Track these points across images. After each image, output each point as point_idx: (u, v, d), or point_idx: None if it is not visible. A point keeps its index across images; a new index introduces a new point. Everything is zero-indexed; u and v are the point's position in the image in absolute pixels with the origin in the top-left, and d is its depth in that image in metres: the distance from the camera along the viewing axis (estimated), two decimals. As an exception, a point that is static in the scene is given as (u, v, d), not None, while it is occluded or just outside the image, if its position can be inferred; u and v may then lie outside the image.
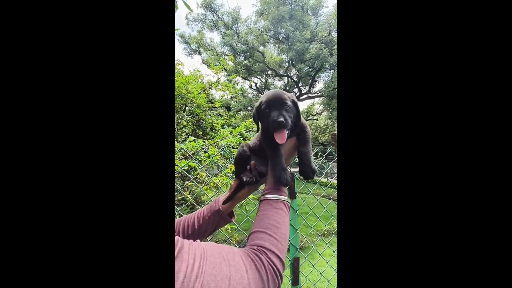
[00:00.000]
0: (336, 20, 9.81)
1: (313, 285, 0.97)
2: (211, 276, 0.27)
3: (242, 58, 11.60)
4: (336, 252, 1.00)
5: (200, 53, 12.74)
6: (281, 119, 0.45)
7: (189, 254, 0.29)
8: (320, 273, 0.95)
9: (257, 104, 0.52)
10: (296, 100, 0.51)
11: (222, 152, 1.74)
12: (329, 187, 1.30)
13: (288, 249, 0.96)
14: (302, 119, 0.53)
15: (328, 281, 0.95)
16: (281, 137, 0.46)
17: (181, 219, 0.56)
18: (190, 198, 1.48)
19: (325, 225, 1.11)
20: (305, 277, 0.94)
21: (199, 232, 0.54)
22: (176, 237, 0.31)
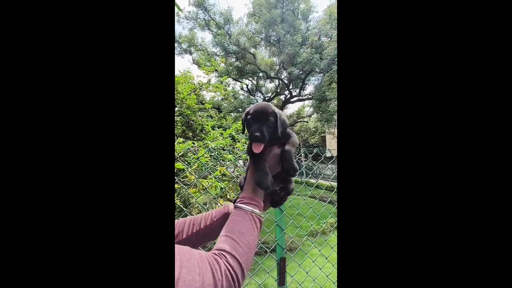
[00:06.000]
0: (325, 25, 10.08)
1: (300, 284, 0.99)
2: None
3: (233, 60, 11.57)
4: (321, 251, 1.04)
5: (190, 53, 12.56)
6: (257, 133, 0.49)
7: None
8: (306, 273, 0.97)
9: (246, 110, 0.56)
10: (279, 114, 0.54)
11: (212, 154, 1.73)
12: (315, 187, 1.33)
13: (275, 249, 0.98)
14: (289, 130, 0.57)
15: (314, 280, 0.98)
16: (256, 148, 0.50)
17: (187, 218, 0.56)
18: (178, 201, 1.46)
19: (311, 225, 1.14)
20: (291, 276, 0.96)
21: (204, 233, 0.54)
22: None
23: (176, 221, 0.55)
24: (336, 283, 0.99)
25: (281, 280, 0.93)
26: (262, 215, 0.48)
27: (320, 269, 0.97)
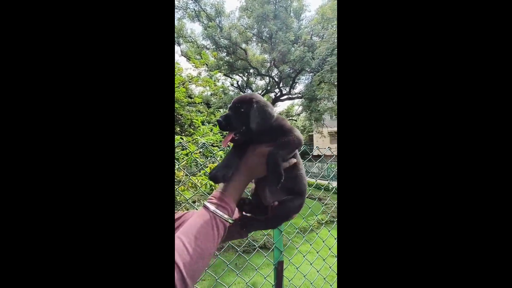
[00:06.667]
0: (317, 25, 10.18)
1: (296, 288, 0.95)
2: None
3: (224, 54, 11.33)
4: (319, 253, 1.00)
5: (179, 44, 12.07)
6: (219, 119, 0.44)
7: None
8: (304, 276, 0.93)
9: None
10: (256, 104, 0.45)
11: (201, 151, 1.63)
12: (314, 187, 1.29)
13: (272, 250, 0.92)
14: (289, 126, 0.48)
15: (311, 283, 0.93)
16: (225, 140, 0.45)
17: (190, 212, 0.50)
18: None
19: (310, 226, 1.10)
20: (289, 281, 0.91)
21: None
22: None
23: (180, 212, 0.50)
24: (333, 286, 0.96)
25: (278, 285, 0.88)
26: (230, 220, 0.41)
27: (317, 271, 0.93)
